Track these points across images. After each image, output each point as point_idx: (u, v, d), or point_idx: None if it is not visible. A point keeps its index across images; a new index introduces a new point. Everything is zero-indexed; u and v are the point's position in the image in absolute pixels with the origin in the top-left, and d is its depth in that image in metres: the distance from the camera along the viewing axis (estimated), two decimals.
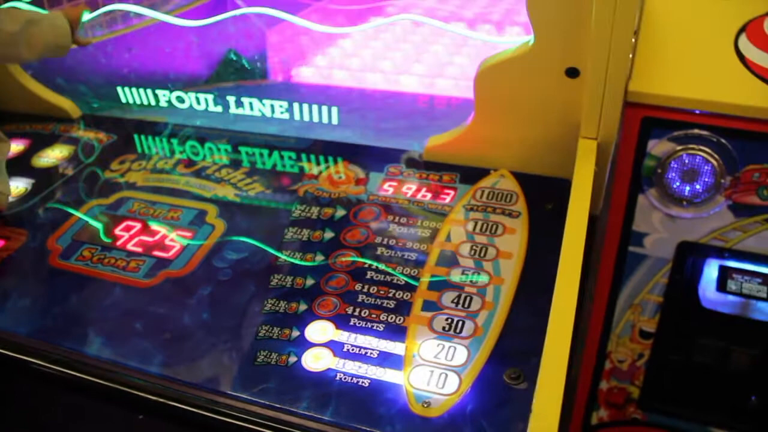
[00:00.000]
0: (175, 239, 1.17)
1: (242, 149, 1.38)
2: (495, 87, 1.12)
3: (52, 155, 1.44)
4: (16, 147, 1.48)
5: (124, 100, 1.50)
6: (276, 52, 1.82)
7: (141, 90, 1.47)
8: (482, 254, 1.04)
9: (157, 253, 1.14)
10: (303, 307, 1.00)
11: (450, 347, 0.91)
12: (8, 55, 1.21)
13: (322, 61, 1.80)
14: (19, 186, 1.35)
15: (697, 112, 1.02)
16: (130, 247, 1.16)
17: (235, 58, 1.73)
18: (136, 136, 1.47)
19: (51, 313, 1.07)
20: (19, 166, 1.39)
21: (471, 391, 0.86)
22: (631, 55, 1.00)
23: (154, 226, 1.20)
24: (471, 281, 1.00)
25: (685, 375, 1.20)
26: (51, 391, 1.05)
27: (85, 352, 0.99)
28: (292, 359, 0.93)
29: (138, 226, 1.20)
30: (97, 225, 1.22)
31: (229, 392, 0.91)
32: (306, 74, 1.74)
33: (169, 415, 0.93)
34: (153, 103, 1.47)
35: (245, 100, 1.38)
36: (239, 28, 1.62)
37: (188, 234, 1.17)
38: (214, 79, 1.70)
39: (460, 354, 0.90)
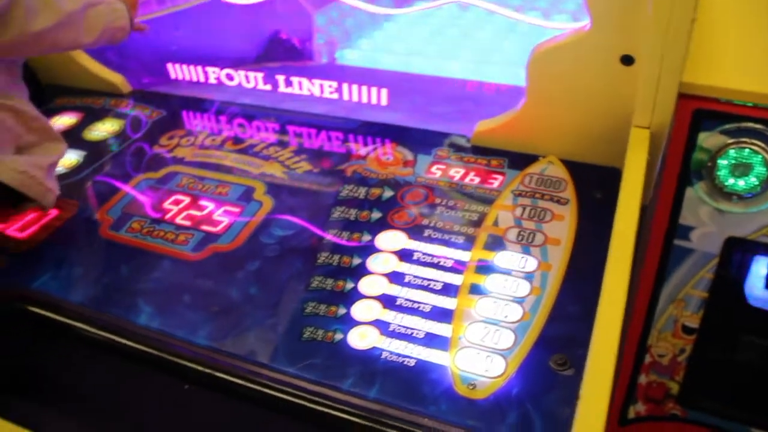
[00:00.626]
0: (223, 214, 1.18)
1: (290, 128, 1.39)
2: (548, 72, 1.11)
3: (103, 129, 1.47)
4: (69, 120, 1.51)
5: (173, 77, 1.52)
6: (322, 33, 1.82)
7: (191, 67, 1.49)
8: (530, 240, 1.04)
9: (205, 227, 1.16)
10: (350, 285, 1.01)
11: (496, 331, 0.91)
12: (68, 39, 1.19)
13: (367, 44, 1.80)
14: (71, 158, 1.38)
15: (750, 104, 1.00)
16: (178, 220, 1.18)
17: (284, 38, 1.74)
18: (184, 113, 1.49)
19: (102, 283, 1.09)
20: (71, 138, 1.41)
21: (516, 375, 0.86)
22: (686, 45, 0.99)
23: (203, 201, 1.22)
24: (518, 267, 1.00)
25: (727, 373, 1.18)
26: (100, 357, 1.07)
27: (135, 322, 1.01)
28: (338, 336, 0.94)
29: (186, 200, 1.22)
30: (146, 199, 1.24)
31: (275, 366, 0.91)
32: (351, 57, 1.75)
33: (215, 386, 0.94)
34: (202, 79, 1.49)
35: (294, 79, 1.39)
36: (287, 8, 1.63)
37: (236, 210, 1.19)
38: (262, 59, 1.71)
39: (507, 338, 0.90)
